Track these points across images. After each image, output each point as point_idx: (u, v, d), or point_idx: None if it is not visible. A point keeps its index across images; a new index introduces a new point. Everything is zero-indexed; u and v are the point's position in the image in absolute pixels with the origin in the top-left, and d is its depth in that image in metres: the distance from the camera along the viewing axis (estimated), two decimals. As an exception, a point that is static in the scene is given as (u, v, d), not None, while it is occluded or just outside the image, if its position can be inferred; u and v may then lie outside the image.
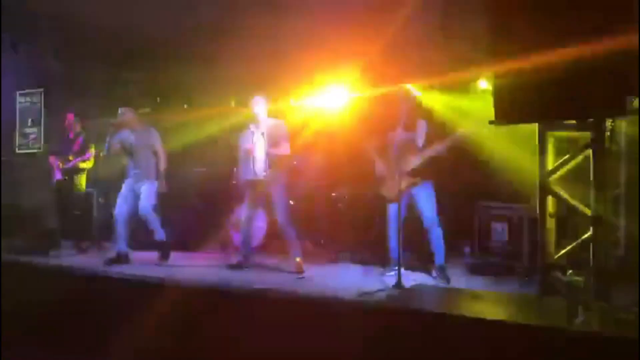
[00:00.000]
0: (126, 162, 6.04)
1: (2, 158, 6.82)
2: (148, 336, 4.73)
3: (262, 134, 5.41)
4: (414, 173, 5.04)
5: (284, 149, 5.45)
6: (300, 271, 5.30)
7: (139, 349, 4.76)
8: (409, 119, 5.12)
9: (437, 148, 4.99)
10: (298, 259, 5.38)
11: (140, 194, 5.80)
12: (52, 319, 5.20)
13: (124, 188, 5.90)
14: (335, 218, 6.86)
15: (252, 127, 5.56)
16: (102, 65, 8.70)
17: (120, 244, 5.84)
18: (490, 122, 4.60)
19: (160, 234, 5.87)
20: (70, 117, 6.92)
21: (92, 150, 6.77)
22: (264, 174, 5.35)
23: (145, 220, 5.82)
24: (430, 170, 5.13)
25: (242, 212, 5.65)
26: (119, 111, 5.93)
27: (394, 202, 5.07)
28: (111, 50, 8.34)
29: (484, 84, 6.44)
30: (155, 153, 5.91)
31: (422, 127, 5.15)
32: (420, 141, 5.10)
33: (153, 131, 6.02)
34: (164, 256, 5.86)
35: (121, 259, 5.77)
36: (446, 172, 5.17)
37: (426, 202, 5.05)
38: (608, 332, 2.48)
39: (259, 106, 5.54)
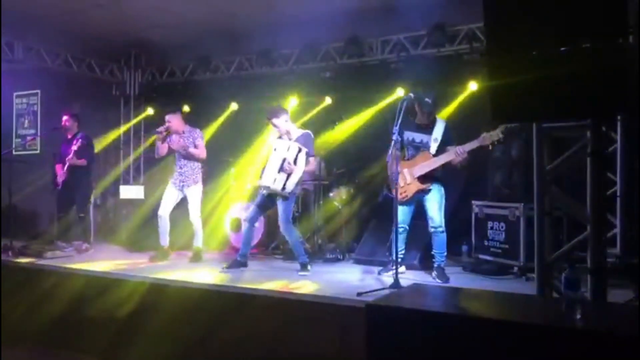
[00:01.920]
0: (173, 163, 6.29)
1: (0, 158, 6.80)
2: (146, 336, 4.74)
3: (307, 153, 5.35)
4: (423, 178, 5.02)
5: (311, 166, 5.59)
6: (304, 271, 5.29)
7: (137, 349, 4.76)
8: (424, 120, 5.12)
9: (445, 157, 4.95)
10: (303, 261, 5.36)
11: (187, 197, 6.08)
12: (47, 319, 5.19)
13: (169, 188, 6.13)
14: (333, 218, 6.86)
15: (286, 139, 5.48)
16: (101, 66, 8.72)
17: (163, 239, 6.13)
18: (487, 122, 4.64)
19: (198, 241, 6.15)
20: (66, 117, 6.88)
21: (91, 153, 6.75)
22: (284, 189, 5.27)
23: (192, 224, 6.12)
24: (442, 175, 5.11)
25: (247, 213, 5.63)
26: (166, 118, 6.09)
27: (403, 204, 5.05)
28: (109, 50, 8.33)
29: (474, 86, 6.49)
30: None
31: (439, 130, 5.08)
32: (435, 145, 5.05)
33: (197, 132, 6.22)
34: (194, 260, 6.05)
35: (164, 254, 6.10)
36: (441, 168, 5.12)
37: (435, 206, 5.02)
38: (606, 330, 2.49)
39: (281, 125, 5.45)
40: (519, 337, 2.58)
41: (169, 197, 6.12)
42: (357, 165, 7.02)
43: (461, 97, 6.57)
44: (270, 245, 6.84)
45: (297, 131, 5.53)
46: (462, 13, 6.32)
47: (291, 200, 5.44)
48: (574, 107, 3.01)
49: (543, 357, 2.50)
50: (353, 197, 6.89)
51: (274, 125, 5.46)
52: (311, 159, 5.49)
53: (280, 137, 5.52)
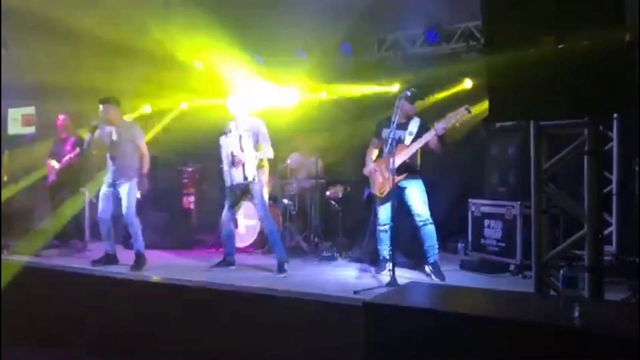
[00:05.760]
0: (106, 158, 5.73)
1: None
2: (142, 335, 4.73)
3: (249, 135, 5.26)
4: (399, 170, 5.00)
5: (268, 152, 5.35)
6: (282, 272, 5.15)
7: (133, 348, 4.75)
8: (400, 116, 5.12)
9: (421, 141, 4.96)
10: (280, 261, 5.23)
11: (122, 195, 5.53)
12: (46, 319, 5.18)
13: (104, 187, 5.62)
14: (329, 216, 6.86)
15: (231, 129, 5.40)
16: (96, 64, 8.67)
17: (107, 245, 5.66)
18: (484, 119, 4.65)
19: (138, 245, 5.55)
20: (62, 117, 6.87)
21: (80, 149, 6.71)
22: (246, 179, 5.22)
23: (127, 225, 5.63)
24: (419, 166, 5.12)
25: (225, 214, 5.57)
26: (100, 108, 5.56)
27: (384, 201, 5.07)
28: (105, 48, 8.29)
29: (469, 83, 6.51)
30: (137, 150, 5.60)
31: (414, 125, 5.12)
32: (409, 138, 5.08)
33: (136, 127, 5.75)
34: (137, 267, 5.43)
35: (109, 259, 5.63)
36: (438, 167, 5.13)
37: (417, 199, 5.02)
38: (604, 328, 2.49)
39: (236, 107, 5.38)
40: (516, 335, 2.58)
41: (105, 199, 5.58)
42: (354, 163, 7.00)
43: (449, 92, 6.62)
44: (267, 243, 6.81)
45: (246, 118, 5.41)
46: (459, 11, 6.33)
47: (261, 190, 5.37)
48: (572, 106, 3.01)
49: (540, 355, 2.50)
50: (349, 196, 6.88)
51: (231, 105, 5.38)
52: (266, 145, 5.33)
53: (224, 134, 5.42)
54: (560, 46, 2.86)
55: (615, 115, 4.83)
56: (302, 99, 7.61)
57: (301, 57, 7.58)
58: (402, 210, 5.16)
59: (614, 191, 5.12)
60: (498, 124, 5.59)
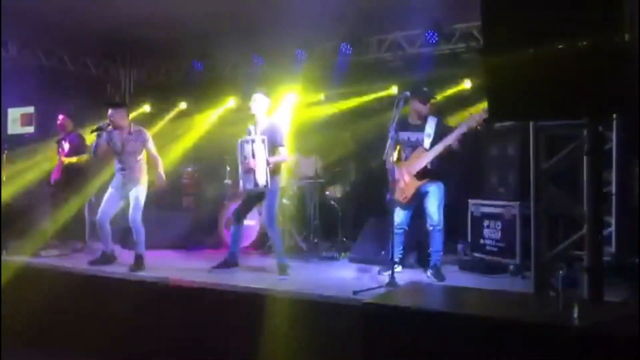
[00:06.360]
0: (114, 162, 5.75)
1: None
2: (140, 336, 4.73)
3: (262, 140, 5.07)
4: (420, 175, 4.97)
5: (282, 156, 5.22)
6: (283, 274, 5.09)
7: (132, 348, 4.75)
8: (417, 118, 5.09)
9: (443, 144, 4.84)
10: (282, 263, 5.16)
11: (130, 199, 5.57)
12: (46, 319, 5.18)
13: (111, 188, 5.67)
14: (329, 216, 6.86)
15: (251, 131, 5.30)
16: (96, 64, 8.69)
17: (105, 244, 5.69)
18: (484, 120, 4.65)
19: (140, 248, 5.51)
20: (62, 117, 6.87)
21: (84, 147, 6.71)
22: (264, 184, 5.05)
23: (132, 229, 5.58)
24: (439, 171, 5.04)
25: (234, 214, 5.55)
26: (109, 112, 5.59)
27: (404, 206, 5.03)
28: (105, 48, 8.31)
29: (468, 84, 6.52)
30: (147, 155, 5.67)
31: (431, 125, 5.01)
32: (428, 141, 4.99)
33: (145, 133, 5.73)
34: (137, 268, 5.35)
35: (107, 258, 5.65)
36: (457, 170, 5.08)
37: (434, 204, 4.97)
38: (603, 329, 2.49)
39: (258, 105, 5.23)
40: (515, 336, 2.58)
41: (109, 201, 5.61)
42: (353, 164, 7.01)
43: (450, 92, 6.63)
44: (267, 243, 6.82)
45: (265, 120, 5.28)
46: (458, 12, 6.34)
47: (273, 195, 5.22)
48: (572, 106, 3.01)
49: (540, 355, 2.50)
50: (349, 196, 6.88)
51: (253, 101, 5.23)
52: (282, 149, 5.18)
53: (247, 135, 5.31)
54: (559, 46, 2.86)
55: (614, 115, 4.83)
56: (301, 100, 7.61)
57: (301, 57, 7.57)
58: (416, 212, 5.15)
59: (614, 191, 5.11)
60: (498, 124, 5.58)
